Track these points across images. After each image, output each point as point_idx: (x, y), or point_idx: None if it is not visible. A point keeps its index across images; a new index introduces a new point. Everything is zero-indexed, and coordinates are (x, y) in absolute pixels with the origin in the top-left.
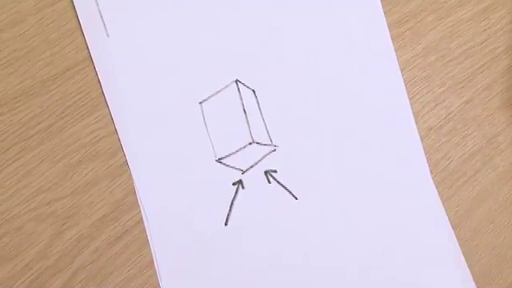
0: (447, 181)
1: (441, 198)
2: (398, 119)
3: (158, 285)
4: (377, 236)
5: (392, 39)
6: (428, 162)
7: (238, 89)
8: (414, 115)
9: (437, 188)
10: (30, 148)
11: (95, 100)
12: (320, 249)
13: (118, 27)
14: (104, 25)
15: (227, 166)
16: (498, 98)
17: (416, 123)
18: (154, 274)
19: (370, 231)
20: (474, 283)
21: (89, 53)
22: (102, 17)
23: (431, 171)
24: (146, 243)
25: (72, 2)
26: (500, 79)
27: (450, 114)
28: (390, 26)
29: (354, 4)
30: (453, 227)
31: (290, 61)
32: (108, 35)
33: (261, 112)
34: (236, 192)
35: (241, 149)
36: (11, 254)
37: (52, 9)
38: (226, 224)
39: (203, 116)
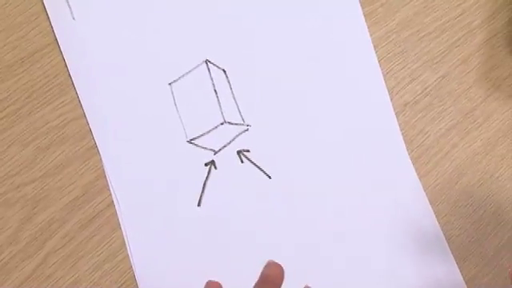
0: (424, 156)
1: (418, 174)
2: (373, 95)
3: (131, 267)
4: (353, 213)
5: (365, 16)
6: (404, 138)
7: (208, 69)
8: (389, 91)
9: (414, 164)
10: None
11: (62, 83)
12: (294, 226)
13: (84, 10)
14: (70, 8)
15: (199, 146)
16: (474, 73)
17: (391, 99)
18: (127, 256)
19: (344, 209)
20: (453, 258)
21: (55, 36)
22: (67, 0)
23: (407, 147)
24: (117, 226)
25: None
26: (476, 53)
27: (425, 89)
28: (362, 3)
29: None
30: (431, 203)
31: (260, 40)
32: (74, 18)
33: (232, 92)
34: (208, 172)
35: (212, 129)
36: None
37: None
38: (198, 205)
39: (173, 97)
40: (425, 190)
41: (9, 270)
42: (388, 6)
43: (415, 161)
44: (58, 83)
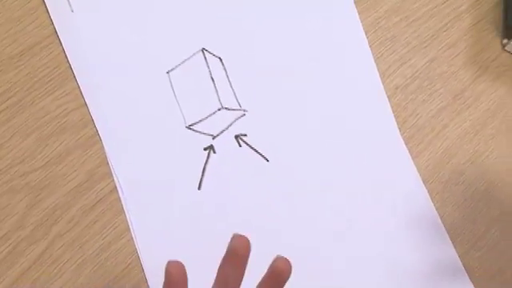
0: (416, 137)
1: (411, 155)
2: (365, 80)
3: (135, 250)
4: (348, 194)
5: (355, 2)
6: (396, 119)
7: (205, 57)
8: (381, 75)
9: (406, 145)
10: (1, 122)
11: (63, 74)
12: (291, 208)
13: (83, 2)
14: (68, 1)
15: (198, 132)
16: (463, 55)
17: (383, 83)
18: (131, 239)
19: (340, 190)
20: (447, 235)
21: (54, 29)
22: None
23: (400, 129)
24: (120, 210)
25: None
26: (463, 37)
27: (415, 72)
28: None
29: None
30: (424, 182)
31: (255, 28)
32: (73, 11)
33: (228, 79)
34: (208, 157)
35: (210, 115)
36: None
37: None
38: (199, 188)
39: (171, 85)
40: (418, 170)
41: (16, 255)
42: None
43: (407, 141)
44: (58, 74)
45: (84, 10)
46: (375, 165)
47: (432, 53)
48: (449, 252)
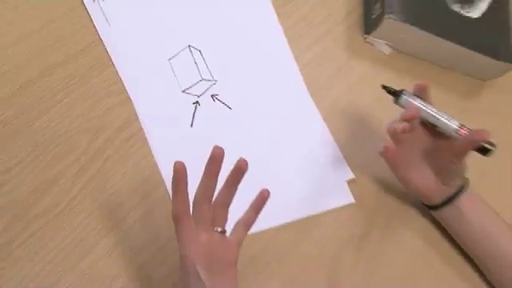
0: (319, 93)
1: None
2: (284, 65)
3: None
4: (278, 131)
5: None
6: (306, 85)
7: (190, 50)
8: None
9: (312, 98)
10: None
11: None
12: (244, 135)
13: (114, 19)
14: (106, 18)
15: (189, 93)
16: (340, 46)
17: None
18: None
19: (273, 125)
20: (341, 154)
21: (99, 36)
22: (104, 14)
23: (308, 89)
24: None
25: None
26: (338, 33)
27: (316, 56)
28: None
29: None
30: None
31: (217, 29)
32: (109, 25)
33: (205, 62)
34: (195, 108)
35: (196, 83)
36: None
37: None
38: (191, 126)
39: (171, 67)
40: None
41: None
42: None
43: (313, 96)
44: (104, 63)
45: (117, 23)
46: (293, 113)
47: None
48: (340, 162)
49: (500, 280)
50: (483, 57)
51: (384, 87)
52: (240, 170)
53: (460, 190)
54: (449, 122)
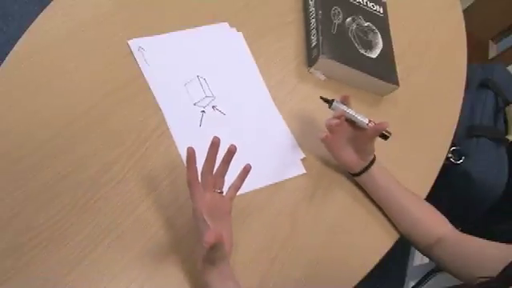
0: (278, 100)
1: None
2: (257, 88)
3: (174, 143)
4: (254, 132)
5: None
6: (273, 98)
7: (199, 79)
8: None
9: (277, 107)
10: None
11: (147, 89)
12: (233, 133)
13: (151, 60)
14: (145, 60)
15: (198, 106)
16: (292, 73)
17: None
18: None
19: (252, 129)
20: (296, 142)
21: (141, 72)
22: (143, 55)
23: (274, 100)
24: (169, 134)
25: (133, 56)
26: (294, 66)
27: (280, 80)
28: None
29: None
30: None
31: (215, 66)
32: (148, 65)
33: (208, 86)
34: (202, 114)
35: (202, 99)
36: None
37: (125, 58)
38: (200, 126)
39: (187, 90)
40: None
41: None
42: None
43: (277, 105)
44: (144, 92)
45: (152, 64)
46: (264, 117)
47: (282, 74)
48: (295, 147)
49: (402, 226)
50: (379, 81)
51: (321, 98)
52: (231, 152)
53: (372, 163)
54: (362, 119)
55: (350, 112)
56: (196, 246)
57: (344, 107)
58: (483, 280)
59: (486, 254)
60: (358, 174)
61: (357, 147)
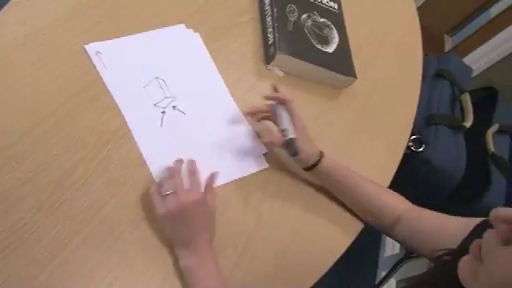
0: (239, 97)
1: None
2: (218, 87)
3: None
4: (215, 130)
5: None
6: (232, 95)
7: (158, 80)
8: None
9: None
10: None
11: (106, 91)
12: (195, 131)
13: (109, 63)
14: (103, 64)
15: (158, 106)
16: (253, 70)
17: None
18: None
19: (213, 128)
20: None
21: (99, 75)
22: (101, 60)
23: (233, 96)
24: (132, 138)
25: (90, 59)
26: (252, 64)
27: (237, 79)
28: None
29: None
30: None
31: (173, 66)
32: (106, 68)
33: (167, 86)
34: (163, 114)
35: (162, 100)
36: None
37: (81, 63)
38: (161, 125)
39: (146, 91)
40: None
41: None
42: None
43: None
44: (107, 96)
45: (111, 68)
46: (224, 114)
47: (241, 71)
48: (259, 143)
49: (366, 212)
50: (337, 74)
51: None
52: (194, 169)
53: (321, 157)
54: (284, 127)
55: (282, 118)
56: (172, 233)
57: (281, 112)
58: (441, 253)
59: (446, 229)
60: (310, 169)
61: None
